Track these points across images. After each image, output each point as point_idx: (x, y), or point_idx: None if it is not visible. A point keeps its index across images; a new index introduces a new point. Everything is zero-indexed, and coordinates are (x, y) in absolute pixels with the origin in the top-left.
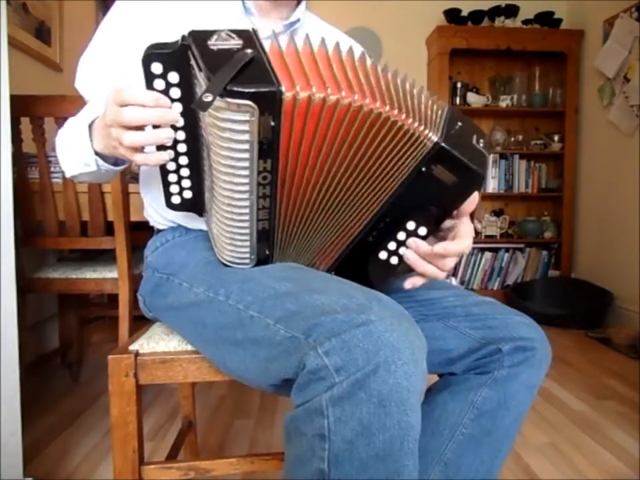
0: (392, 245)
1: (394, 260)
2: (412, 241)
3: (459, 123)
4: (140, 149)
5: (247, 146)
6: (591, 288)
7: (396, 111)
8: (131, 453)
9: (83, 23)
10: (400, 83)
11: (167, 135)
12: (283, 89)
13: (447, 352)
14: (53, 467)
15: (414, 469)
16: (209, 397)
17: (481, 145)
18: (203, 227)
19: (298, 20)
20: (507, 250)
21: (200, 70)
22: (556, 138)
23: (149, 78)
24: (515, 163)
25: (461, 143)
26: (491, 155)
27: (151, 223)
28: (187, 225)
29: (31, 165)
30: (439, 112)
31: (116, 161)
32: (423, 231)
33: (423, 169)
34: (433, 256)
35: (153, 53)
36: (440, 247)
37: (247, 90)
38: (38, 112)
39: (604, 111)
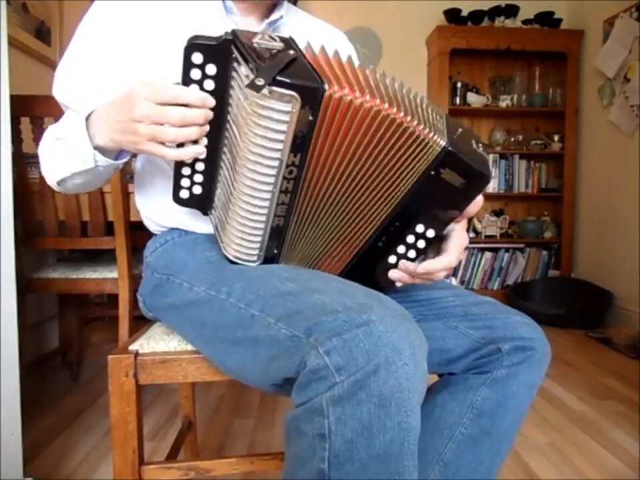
0: (401, 249)
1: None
2: (401, 263)
3: (460, 129)
4: (173, 145)
5: (282, 137)
6: (591, 288)
7: (407, 116)
8: (131, 453)
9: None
10: (406, 92)
11: (207, 130)
12: (326, 86)
13: (446, 352)
14: (52, 467)
15: (414, 470)
16: (209, 397)
17: (481, 149)
18: (200, 230)
19: (281, 17)
20: (507, 250)
21: (247, 62)
22: (556, 138)
23: (187, 66)
24: (515, 162)
25: (465, 147)
26: (491, 155)
27: (151, 230)
28: (185, 228)
29: (31, 164)
30: (440, 118)
31: (116, 156)
32: (431, 233)
33: (432, 172)
34: (419, 275)
35: (196, 43)
36: (422, 268)
37: (293, 82)
38: (38, 112)
39: (604, 111)
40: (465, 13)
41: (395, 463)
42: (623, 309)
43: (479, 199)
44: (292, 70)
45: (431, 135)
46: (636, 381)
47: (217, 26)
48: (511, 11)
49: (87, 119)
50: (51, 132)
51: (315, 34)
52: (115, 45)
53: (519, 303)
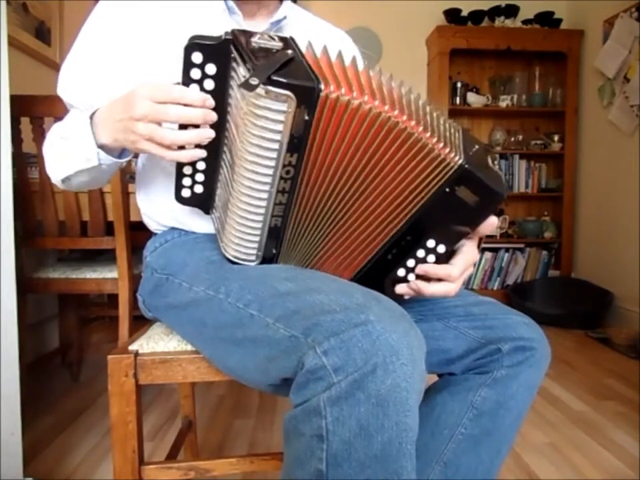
0: (411, 263)
1: (411, 277)
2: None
3: (476, 146)
4: (173, 146)
5: (278, 137)
6: (591, 288)
7: (420, 128)
8: (131, 453)
9: (82, 23)
10: (421, 104)
11: (209, 135)
12: (322, 86)
13: (446, 352)
14: (52, 466)
15: (412, 470)
16: (209, 396)
17: (496, 167)
18: (200, 229)
19: (284, 17)
20: (507, 250)
21: (244, 62)
22: (556, 138)
23: (187, 66)
24: (515, 163)
25: (481, 165)
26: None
27: (151, 229)
28: (185, 228)
29: (30, 165)
30: (456, 133)
31: (119, 155)
32: (441, 248)
33: (447, 189)
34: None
35: (195, 43)
36: (421, 270)
37: (288, 81)
38: (38, 112)
39: (604, 111)
40: (465, 13)
41: (393, 463)
42: (623, 308)
43: (493, 219)
44: (288, 69)
45: (447, 150)
46: (636, 380)
47: (220, 26)
48: (511, 11)
49: (91, 117)
50: (56, 130)
51: (319, 35)
52: (119, 45)
53: (518, 303)
